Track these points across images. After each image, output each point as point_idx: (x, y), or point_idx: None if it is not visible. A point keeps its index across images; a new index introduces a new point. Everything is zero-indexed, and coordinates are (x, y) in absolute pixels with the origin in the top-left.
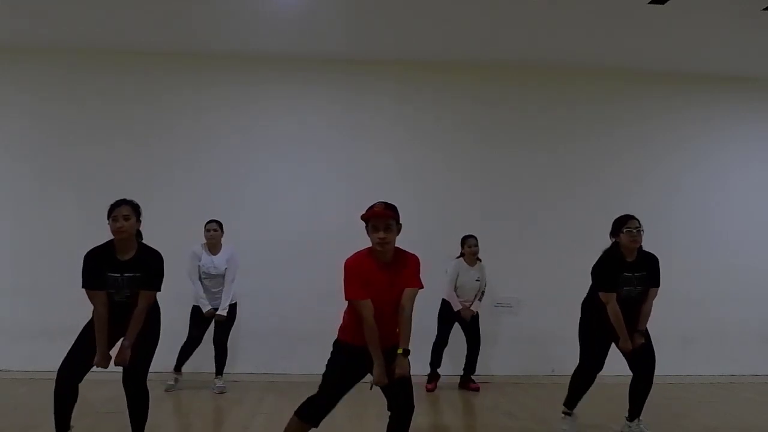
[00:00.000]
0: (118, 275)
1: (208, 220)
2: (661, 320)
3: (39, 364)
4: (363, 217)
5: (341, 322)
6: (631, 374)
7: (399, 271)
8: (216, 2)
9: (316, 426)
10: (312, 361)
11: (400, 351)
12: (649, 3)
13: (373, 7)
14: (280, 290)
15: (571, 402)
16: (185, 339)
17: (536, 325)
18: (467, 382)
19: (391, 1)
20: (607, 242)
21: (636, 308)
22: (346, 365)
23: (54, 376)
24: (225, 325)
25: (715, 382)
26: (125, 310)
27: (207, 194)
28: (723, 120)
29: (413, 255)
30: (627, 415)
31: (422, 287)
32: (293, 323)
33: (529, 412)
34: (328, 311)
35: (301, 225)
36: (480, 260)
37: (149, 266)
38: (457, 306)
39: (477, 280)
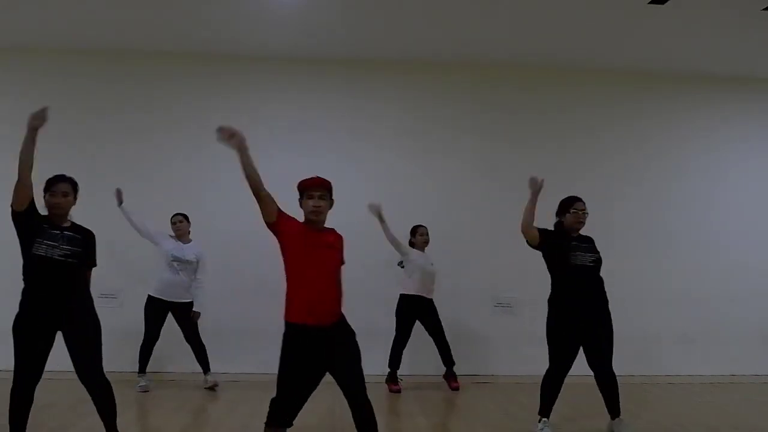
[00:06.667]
0: (58, 232)
1: (174, 213)
2: (661, 320)
3: None
4: (300, 186)
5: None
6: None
7: (329, 238)
8: (216, 2)
9: (289, 426)
10: None
11: None
12: (649, 3)
13: (373, 7)
14: (280, 289)
15: (544, 409)
16: (144, 337)
17: (536, 325)
18: (450, 376)
19: (392, 1)
20: (608, 241)
21: (590, 282)
22: (301, 354)
23: (53, 376)
24: (189, 321)
25: (715, 382)
26: (60, 272)
27: (207, 193)
28: (723, 120)
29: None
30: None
31: (343, 263)
32: None
33: (529, 412)
34: None
35: None
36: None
37: (88, 237)
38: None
39: (432, 264)
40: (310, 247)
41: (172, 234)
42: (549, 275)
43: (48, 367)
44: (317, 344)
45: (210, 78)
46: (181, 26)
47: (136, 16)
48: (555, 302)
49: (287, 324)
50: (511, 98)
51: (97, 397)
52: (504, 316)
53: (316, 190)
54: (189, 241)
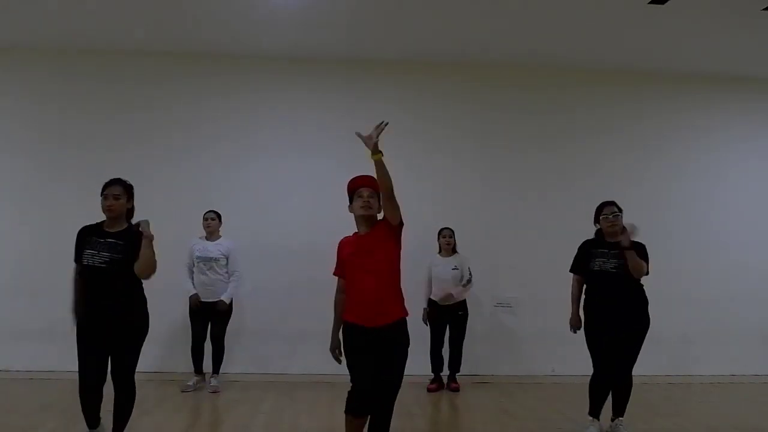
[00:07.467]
0: (102, 240)
1: (206, 210)
2: (661, 320)
3: (39, 364)
4: (348, 188)
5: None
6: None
7: (375, 235)
8: (216, 2)
9: (367, 414)
10: (312, 361)
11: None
12: (649, 3)
13: (373, 7)
14: (280, 289)
15: (593, 409)
16: (191, 340)
17: (536, 325)
18: (450, 381)
19: (392, 1)
20: None
21: (613, 287)
22: (357, 346)
23: (54, 376)
24: (222, 320)
25: (715, 382)
26: (103, 278)
27: (207, 193)
28: (723, 120)
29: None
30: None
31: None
32: (293, 322)
33: (529, 412)
34: (329, 310)
35: (301, 224)
36: (458, 252)
37: (135, 236)
38: (437, 295)
39: (454, 269)
40: (362, 255)
41: (203, 234)
42: (550, 275)
43: (47, 366)
44: (368, 341)
45: (210, 78)
46: (181, 26)
47: (136, 16)
48: (584, 306)
49: (343, 322)
50: (511, 98)
51: (119, 399)
52: (504, 316)
53: (367, 188)
54: (218, 238)
